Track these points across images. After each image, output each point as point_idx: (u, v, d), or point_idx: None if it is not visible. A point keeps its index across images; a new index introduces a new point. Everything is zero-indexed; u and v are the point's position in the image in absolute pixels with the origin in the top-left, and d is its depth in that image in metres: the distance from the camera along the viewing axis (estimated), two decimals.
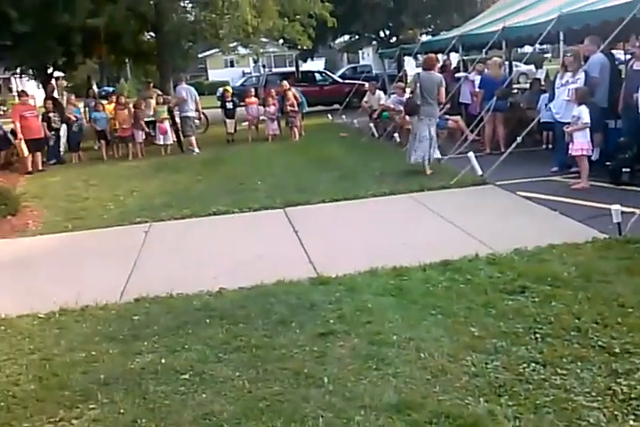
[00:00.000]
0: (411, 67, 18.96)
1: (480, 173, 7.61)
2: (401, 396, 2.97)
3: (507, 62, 13.05)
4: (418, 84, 8.28)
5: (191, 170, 10.29)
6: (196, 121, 13.51)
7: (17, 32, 13.89)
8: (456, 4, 22.35)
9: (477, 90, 10.35)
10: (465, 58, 13.07)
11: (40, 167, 11.69)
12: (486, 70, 10.27)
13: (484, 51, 11.32)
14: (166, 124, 12.59)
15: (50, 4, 13.68)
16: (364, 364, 3.29)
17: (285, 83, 13.93)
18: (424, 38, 21.93)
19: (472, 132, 9.43)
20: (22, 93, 12.30)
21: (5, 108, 14.70)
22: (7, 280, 5.30)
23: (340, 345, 3.53)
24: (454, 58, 14.84)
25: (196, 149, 12.46)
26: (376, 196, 7.29)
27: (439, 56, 10.04)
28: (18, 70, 19.18)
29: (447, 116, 10.47)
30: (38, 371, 3.53)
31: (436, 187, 7.44)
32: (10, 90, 36.58)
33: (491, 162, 7.67)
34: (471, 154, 7.88)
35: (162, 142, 12.63)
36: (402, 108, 11.38)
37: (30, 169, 11.46)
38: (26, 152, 11.40)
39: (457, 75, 11.96)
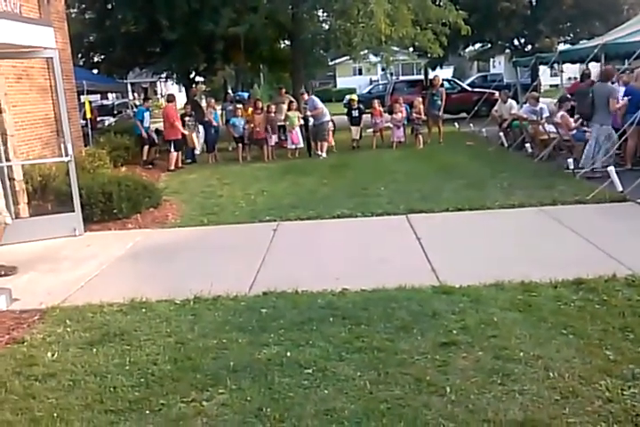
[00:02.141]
0: (546, 76, 18.17)
1: (620, 189, 7.16)
2: (527, 414, 2.87)
3: None
4: (591, 94, 8.86)
5: (317, 173, 10.53)
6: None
7: (166, 40, 15.07)
8: (599, 12, 21.17)
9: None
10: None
11: (179, 165, 12.55)
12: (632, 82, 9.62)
13: (627, 61, 10.61)
14: (297, 131, 12.99)
15: (197, 13, 14.71)
16: (488, 377, 3.22)
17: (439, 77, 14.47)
18: (561, 47, 20.94)
19: None
20: (171, 97, 13.24)
21: (151, 109, 15.81)
22: (148, 267, 5.73)
23: (463, 356, 3.47)
24: (593, 68, 14.05)
25: (323, 154, 12.76)
26: (504, 207, 7.09)
27: (577, 66, 9.76)
28: (164, 75, 20.67)
29: (585, 129, 9.91)
30: (173, 353, 3.77)
31: (570, 201, 7.11)
32: (155, 92, 39.52)
33: (632, 178, 7.22)
34: (612, 168, 7.44)
35: (292, 146, 13.06)
36: (534, 117, 10.99)
37: (172, 167, 12.31)
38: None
39: None
